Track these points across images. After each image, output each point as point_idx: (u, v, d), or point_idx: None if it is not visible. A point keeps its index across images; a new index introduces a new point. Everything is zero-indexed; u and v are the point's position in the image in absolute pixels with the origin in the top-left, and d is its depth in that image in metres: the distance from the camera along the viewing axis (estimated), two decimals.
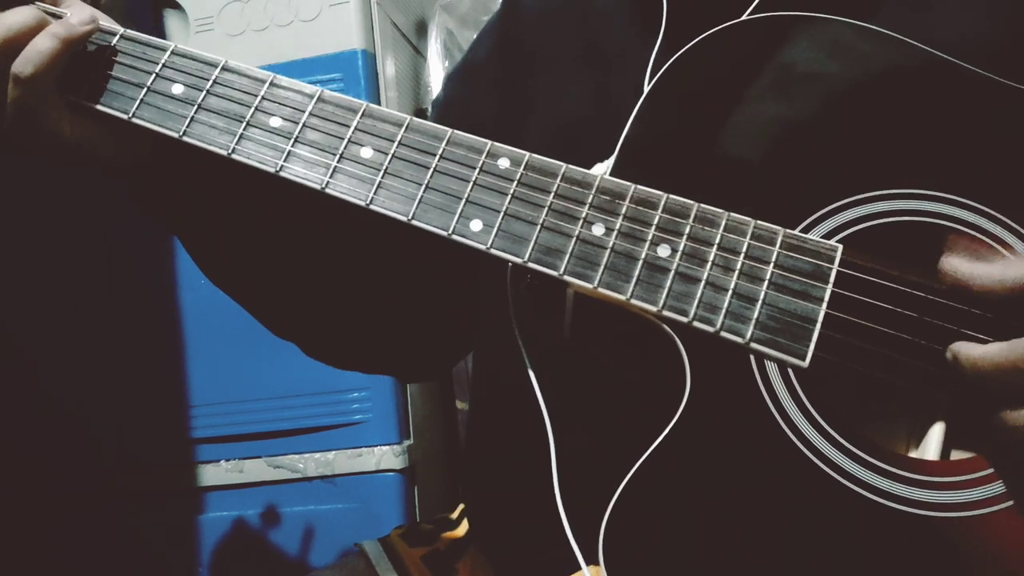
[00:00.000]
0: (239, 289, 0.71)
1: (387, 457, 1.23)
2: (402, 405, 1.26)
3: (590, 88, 0.68)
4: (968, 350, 0.45)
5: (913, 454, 0.50)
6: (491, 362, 0.73)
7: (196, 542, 1.29)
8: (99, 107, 0.57)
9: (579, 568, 0.58)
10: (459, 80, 0.82)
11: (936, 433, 0.50)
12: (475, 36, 0.87)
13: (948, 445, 0.50)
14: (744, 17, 0.55)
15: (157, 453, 1.31)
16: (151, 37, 0.57)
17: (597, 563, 0.51)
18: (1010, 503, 0.45)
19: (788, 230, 0.50)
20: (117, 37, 0.58)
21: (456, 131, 0.54)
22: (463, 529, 0.79)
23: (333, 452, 1.25)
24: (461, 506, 0.82)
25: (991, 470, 0.46)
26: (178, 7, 1.33)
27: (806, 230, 0.51)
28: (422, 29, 1.52)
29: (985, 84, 0.52)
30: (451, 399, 1.43)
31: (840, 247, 0.49)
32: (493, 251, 0.51)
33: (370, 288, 0.73)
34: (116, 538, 1.31)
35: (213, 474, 1.29)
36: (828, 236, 0.50)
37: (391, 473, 1.23)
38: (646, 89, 0.54)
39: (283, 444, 1.27)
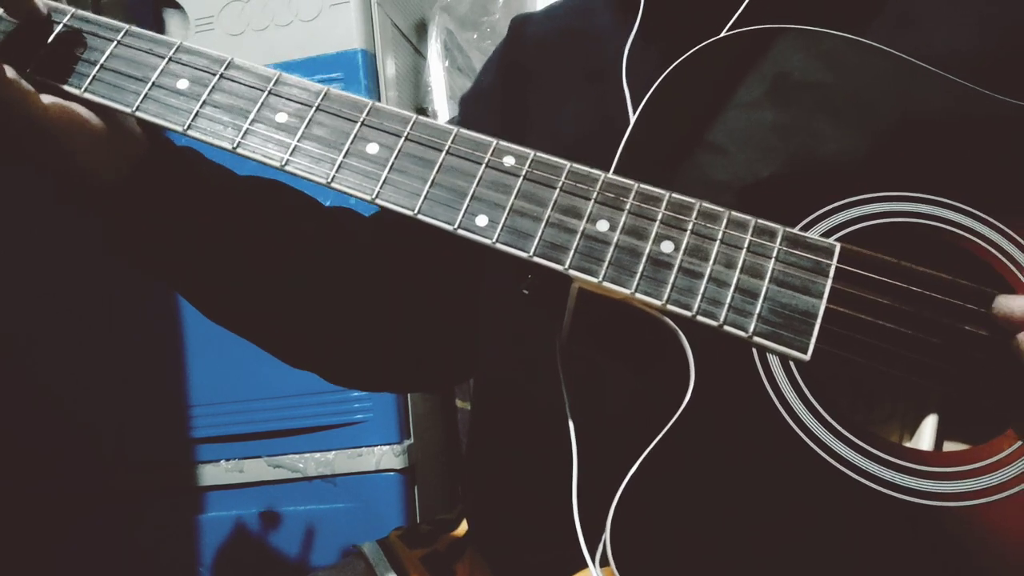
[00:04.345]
0: (235, 322, 0.72)
1: (387, 457, 1.23)
2: (402, 405, 1.26)
3: (586, 107, 0.68)
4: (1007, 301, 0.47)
5: (907, 445, 0.51)
6: (494, 362, 0.73)
7: (196, 542, 1.29)
8: (103, 101, 0.56)
9: (578, 570, 0.59)
10: (471, 103, 0.84)
11: (930, 425, 0.51)
12: (475, 35, 0.88)
13: (941, 437, 0.51)
14: (740, 29, 0.57)
15: (157, 453, 1.31)
16: (156, 34, 0.57)
17: (603, 561, 0.51)
18: (1010, 492, 0.46)
19: (787, 228, 0.51)
20: (123, 33, 0.58)
21: (461, 129, 0.54)
22: (462, 530, 0.79)
23: (333, 452, 1.25)
24: (460, 507, 0.82)
25: (988, 461, 0.47)
26: (178, 7, 1.33)
27: (803, 231, 0.51)
28: (422, 29, 1.53)
29: (973, 96, 0.53)
30: (451, 399, 1.43)
31: (839, 244, 0.50)
32: (499, 246, 0.51)
33: (371, 313, 0.73)
34: (116, 538, 1.31)
35: (213, 474, 1.29)
36: (825, 236, 0.51)
37: (391, 473, 1.24)
38: (646, 96, 0.55)
39: (283, 444, 1.27)
